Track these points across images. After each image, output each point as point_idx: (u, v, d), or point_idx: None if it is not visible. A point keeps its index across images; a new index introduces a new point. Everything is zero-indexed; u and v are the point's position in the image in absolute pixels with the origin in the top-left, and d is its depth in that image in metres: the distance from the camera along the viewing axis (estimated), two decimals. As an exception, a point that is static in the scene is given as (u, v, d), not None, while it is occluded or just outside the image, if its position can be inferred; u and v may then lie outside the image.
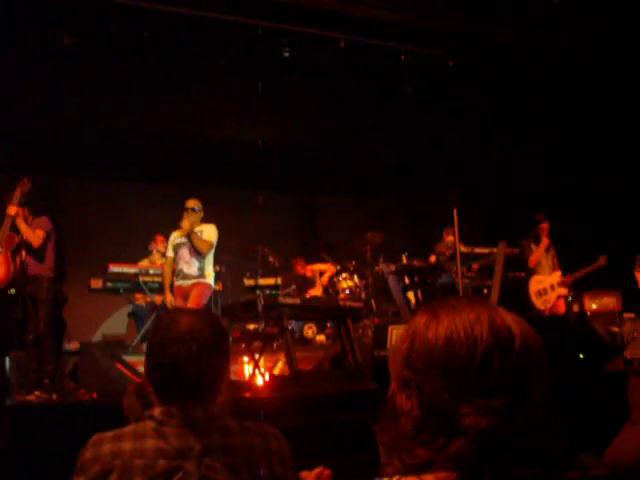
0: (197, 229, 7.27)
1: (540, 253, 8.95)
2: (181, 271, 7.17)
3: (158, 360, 2.14)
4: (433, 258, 9.19)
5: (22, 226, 6.33)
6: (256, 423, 2.23)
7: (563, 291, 8.88)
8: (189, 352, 2.10)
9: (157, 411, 2.10)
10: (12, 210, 6.28)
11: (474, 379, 1.19)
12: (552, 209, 9.79)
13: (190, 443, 2.05)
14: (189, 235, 7.17)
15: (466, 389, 1.19)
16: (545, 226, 8.99)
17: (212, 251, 7.37)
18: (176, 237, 7.34)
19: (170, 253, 7.36)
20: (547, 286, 8.87)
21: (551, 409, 1.25)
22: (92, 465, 2.01)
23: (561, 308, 8.85)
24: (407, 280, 8.40)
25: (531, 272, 8.93)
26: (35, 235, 6.36)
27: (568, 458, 1.26)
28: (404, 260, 8.52)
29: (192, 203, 7.45)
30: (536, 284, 8.87)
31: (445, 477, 1.17)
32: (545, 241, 8.99)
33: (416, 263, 8.87)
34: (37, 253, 6.37)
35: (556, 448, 1.24)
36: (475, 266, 8.73)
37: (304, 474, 1.89)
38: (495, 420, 1.16)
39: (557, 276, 8.90)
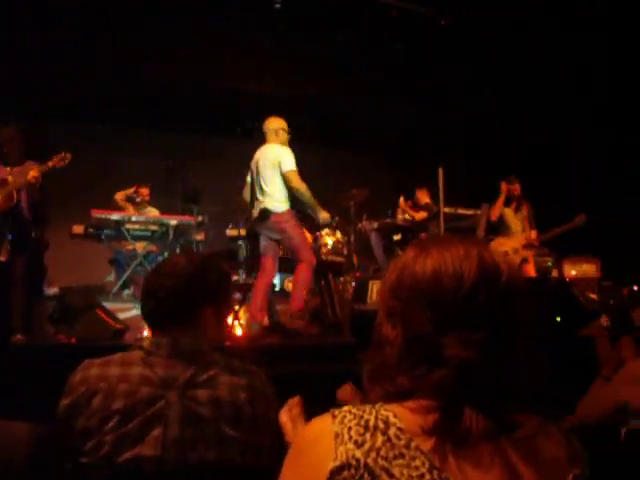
0: None
1: (500, 206, 8.69)
2: None
3: (144, 290, 2.29)
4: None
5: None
6: (241, 362, 2.28)
7: (528, 253, 8.57)
8: (167, 284, 2.23)
9: (146, 342, 2.20)
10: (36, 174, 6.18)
11: (458, 312, 1.22)
12: (537, 172, 9.81)
13: (175, 373, 2.12)
14: None
15: (450, 321, 1.22)
16: (515, 187, 8.80)
17: None
18: None
19: None
20: (509, 249, 8.52)
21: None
22: (79, 387, 2.10)
23: (530, 272, 8.44)
24: (399, 237, 8.45)
25: (498, 233, 8.73)
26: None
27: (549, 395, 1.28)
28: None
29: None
30: (496, 247, 8.17)
31: (426, 404, 1.21)
32: (514, 202, 8.83)
33: (399, 221, 8.92)
34: None
35: (537, 383, 1.26)
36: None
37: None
38: (476, 352, 1.19)
39: (521, 238, 8.64)
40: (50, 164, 6.28)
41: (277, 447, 2.16)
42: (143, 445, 2.01)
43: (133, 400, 2.05)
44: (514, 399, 1.23)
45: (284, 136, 6.72)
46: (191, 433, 2.05)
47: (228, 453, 2.08)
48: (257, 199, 6.53)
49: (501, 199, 8.65)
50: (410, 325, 1.25)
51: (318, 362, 4.90)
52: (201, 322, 2.27)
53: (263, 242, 6.63)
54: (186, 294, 2.25)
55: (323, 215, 6.66)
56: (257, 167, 6.60)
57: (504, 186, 8.74)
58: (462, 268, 1.25)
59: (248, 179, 6.89)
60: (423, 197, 9.69)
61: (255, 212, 6.55)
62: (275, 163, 6.44)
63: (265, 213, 6.39)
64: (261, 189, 6.49)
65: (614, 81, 9.71)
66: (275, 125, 6.74)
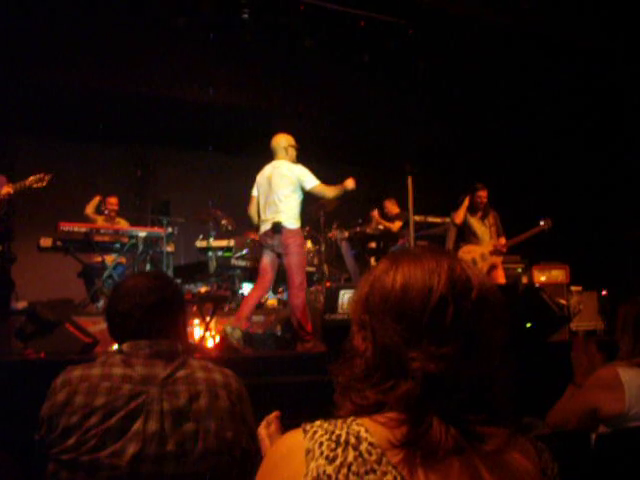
0: None
1: (463, 210, 8.55)
2: None
3: (115, 311, 2.36)
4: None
5: None
6: (216, 364, 2.40)
7: (496, 260, 8.48)
8: (143, 302, 2.32)
9: (125, 345, 2.29)
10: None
11: (426, 326, 1.22)
12: (506, 180, 9.88)
13: (155, 371, 2.22)
14: None
15: (418, 334, 1.22)
16: (481, 194, 8.67)
17: None
18: None
19: None
20: (476, 256, 8.42)
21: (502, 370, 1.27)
22: (61, 389, 2.17)
23: (499, 279, 8.35)
24: (373, 245, 8.46)
25: (466, 241, 8.63)
26: None
27: (517, 406, 1.28)
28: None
29: None
30: (464, 254, 8.32)
31: (396, 417, 1.20)
32: (480, 211, 8.69)
33: (368, 230, 8.94)
34: None
35: (505, 396, 1.26)
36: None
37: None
38: (443, 366, 1.19)
39: (489, 245, 8.52)
40: (27, 183, 6.23)
41: (252, 450, 2.22)
42: (125, 440, 2.08)
43: (115, 396, 2.12)
44: (483, 411, 1.22)
45: (293, 153, 6.82)
46: (170, 427, 2.13)
47: (206, 446, 2.16)
48: (268, 214, 6.61)
49: (465, 204, 8.62)
50: (379, 338, 1.25)
51: (290, 372, 4.90)
52: (172, 332, 2.38)
53: (267, 257, 6.67)
54: (162, 309, 2.36)
55: (348, 184, 6.71)
56: (270, 183, 6.66)
57: (481, 194, 8.72)
58: (431, 281, 1.24)
59: (254, 193, 6.92)
60: (392, 207, 9.73)
61: (266, 226, 6.61)
62: (293, 182, 6.56)
63: (278, 226, 6.47)
64: (275, 205, 6.57)
65: (581, 92, 9.84)
66: (284, 143, 6.83)
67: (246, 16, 8.97)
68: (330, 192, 6.66)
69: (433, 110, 10.74)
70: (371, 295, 1.30)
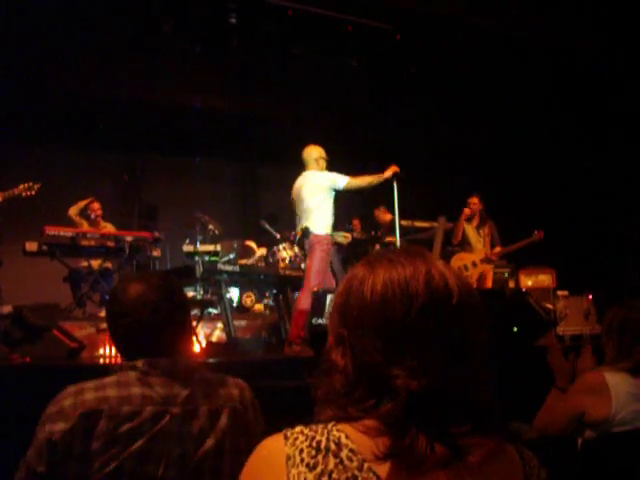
0: None
1: (461, 229, 8.77)
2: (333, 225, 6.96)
3: (128, 321, 2.21)
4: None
5: None
6: (230, 376, 2.33)
7: (487, 267, 8.68)
8: (142, 319, 2.20)
9: (140, 362, 2.16)
10: None
11: (408, 339, 1.19)
12: (494, 186, 9.90)
13: (175, 391, 2.14)
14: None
15: (399, 350, 1.19)
16: (471, 200, 8.85)
17: None
18: None
19: None
20: (468, 263, 8.66)
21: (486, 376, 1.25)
22: (74, 410, 2.03)
23: (487, 285, 8.54)
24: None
25: (458, 249, 8.84)
26: None
27: (502, 415, 1.25)
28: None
29: None
30: (456, 261, 8.64)
31: (376, 426, 1.18)
32: (476, 219, 8.90)
33: (356, 235, 8.95)
34: None
35: (490, 403, 1.24)
36: None
37: None
38: (426, 381, 1.16)
39: (481, 253, 8.72)
40: (16, 192, 6.22)
41: None
42: (148, 463, 2.02)
43: (139, 422, 2.05)
44: (468, 421, 1.19)
45: (323, 164, 6.96)
46: (193, 448, 2.09)
47: (224, 463, 2.13)
48: (303, 222, 6.76)
49: (461, 221, 8.76)
50: (359, 354, 1.22)
51: (276, 377, 4.88)
52: (182, 339, 2.31)
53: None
54: (174, 318, 2.26)
55: (388, 173, 6.80)
56: (299, 193, 6.82)
57: (475, 205, 8.84)
58: (410, 290, 1.21)
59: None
60: (384, 215, 9.74)
61: (299, 232, 6.83)
62: (325, 188, 6.75)
63: (307, 231, 6.65)
64: (305, 213, 6.75)
65: (570, 102, 9.90)
66: (315, 154, 6.95)
67: (234, 21, 8.97)
68: (364, 181, 6.79)
69: (422, 114, 10.76)
70: (348, 306, 1.26)
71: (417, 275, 1.23)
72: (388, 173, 6.77)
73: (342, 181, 6.71)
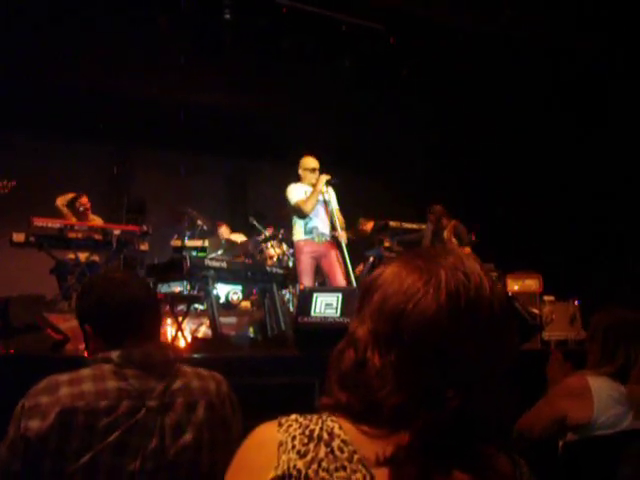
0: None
1: (428, 238, 8.79)
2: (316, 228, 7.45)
3: (108, 308, 2.24)
4: None
5: None
6: (207, 369, 2.35)
7: None
8: (138, 299, 2.26)
9: (114, 354, 2.15)
10: None
11: (460, 360, 1.17)
12: (479, 189, 9.92)
13: (151, 384, 2.13)
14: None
15: (455, 367, 1.17)
16: (437, 212, 8.90)
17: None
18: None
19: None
20: None
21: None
22: (51, 408, 2.00)
23: None
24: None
25: None
26: None
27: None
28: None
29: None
30: None
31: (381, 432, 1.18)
32: (431, 226, 8.91)
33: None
34: None
35: (507, 422, 1.23)
36: None
37: None
38: (470, 402, 1.16)
39: None
40: None
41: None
42: (124, 457, 2.01)
43: (115, 416, 2.04)
44: (490, 438, 1.20)
45: (304, 175, 7.62)
46: (170, 441, 2.09)
47: (202, 457, 2.14)
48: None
49: (428, 233, 8.80)
50: (408, 364, 1.18)
51: (261, 374, 4.88)
52: (158, 331, 2.36)
53: None
54: (154, 307, 2.34)
55: (320, 186, 7.43)
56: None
57: (437, 212, 8.88)
58: (476, 310, 1.17)
59: None
60: (365, 225, 9.77)
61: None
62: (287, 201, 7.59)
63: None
64: None
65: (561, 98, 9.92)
66: (301, 166, 7.68)
67: (228, 17, 8.96)
68: (307, 204, 7.41)
69: (410, 116, 10.78)
70: (404, 315, 1.18)
71: (482, 293, 1.20)
72: (320, 185, 7.39)
73: (293, 199, 7.45)
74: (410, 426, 1.14)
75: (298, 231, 7.52)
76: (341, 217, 7.68)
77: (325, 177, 7.41)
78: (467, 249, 8.70)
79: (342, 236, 7.52)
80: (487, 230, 9.12)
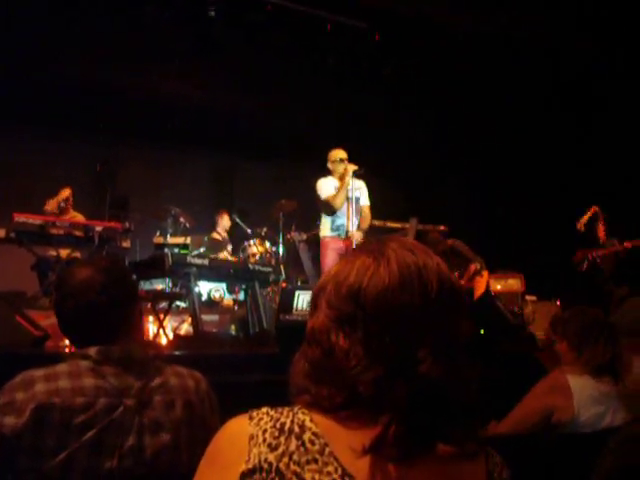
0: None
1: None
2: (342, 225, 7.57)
3: (71, 305, 2.22)
4: None
5: None
6: (186, 367, 2.32)
7: None
8: (88, 301, 2.18)
9: (93, 350, 2.11)
10: None
11: (425, 326, 1.20)
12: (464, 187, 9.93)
13: (129, 382, 2.10)
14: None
15: (418, 336, 1.19)
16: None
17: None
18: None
19: None
20: None
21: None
22: (26, 404, 1.97)
23: None
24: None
25: None
26: None
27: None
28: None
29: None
30: None
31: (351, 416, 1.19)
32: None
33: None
34: None
35: (477, 403, 1.24)
36: None
37: None
38: (440, 370, 1.17)
39: None
40: None
41: None
42: (100, 455, 1.99)
43: (92, 414, 2.00)
44: (459, 417, 1.20)
45: (333, 167, 7.73)
46: (148, 440, 2.07)
47: (180, 455, 2.12)
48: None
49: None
50: (375, 337, 1.19)
51: (242, 372, 4.87)
52: (132, 326, 2.29)
53: None
54: (122, 302, 2.25)
55: (347, 178, 7.48)
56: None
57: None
58: (423, 279, 1.21)
59: None
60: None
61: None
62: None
63: None
64: None
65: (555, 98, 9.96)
66: (329, 159, 7.77)
67: (212, 14, 8.92)
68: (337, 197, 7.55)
69: (409, 117, 10.80)
70: (362, 288, 1.22)
71: (428, 264, 1.24)
72: (348, 177, 7.43)
73: (323, 194, 7.59)
74: (389, 405, 1.15)
75: (325, 227, 7.72)
76: (369, 215, 7.82)
77: (352, 167, 7.44)
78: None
79: (356, 236, 7.51)
80: (476, 230, 9.13)
